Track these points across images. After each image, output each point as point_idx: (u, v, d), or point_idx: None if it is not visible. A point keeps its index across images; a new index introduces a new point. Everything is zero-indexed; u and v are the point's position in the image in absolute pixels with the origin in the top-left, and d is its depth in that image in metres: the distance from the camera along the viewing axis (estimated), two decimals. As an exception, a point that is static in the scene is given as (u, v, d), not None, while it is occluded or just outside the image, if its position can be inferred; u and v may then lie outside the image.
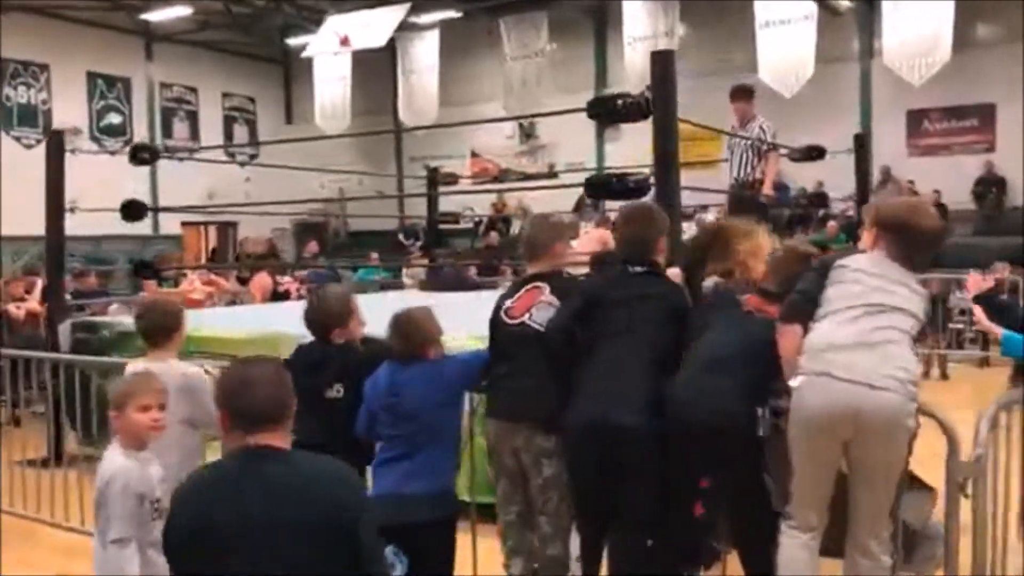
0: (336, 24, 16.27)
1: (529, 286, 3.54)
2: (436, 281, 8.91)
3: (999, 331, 3.89)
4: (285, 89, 23.59)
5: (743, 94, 7.02)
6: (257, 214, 18.74)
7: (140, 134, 19.99)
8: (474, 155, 20.78)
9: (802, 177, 16.64)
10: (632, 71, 17.09)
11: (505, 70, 18.34)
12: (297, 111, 23.38)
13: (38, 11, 17.56)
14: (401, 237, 19.02)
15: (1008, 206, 15.56)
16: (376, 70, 19.93)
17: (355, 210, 20.02)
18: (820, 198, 10.22)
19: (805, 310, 3.06)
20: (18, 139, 17.34)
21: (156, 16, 18.01)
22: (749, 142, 6.72)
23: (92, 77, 19.13)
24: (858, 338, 2.91)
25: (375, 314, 3.69)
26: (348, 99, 18.99)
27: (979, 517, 3.09)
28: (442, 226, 11.02)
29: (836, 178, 16.68)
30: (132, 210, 6.26)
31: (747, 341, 3.22)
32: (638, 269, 3.44)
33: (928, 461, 3.47)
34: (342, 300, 3.60)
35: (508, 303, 3.56)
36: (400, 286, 10.66)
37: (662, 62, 4.20)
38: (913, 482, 3.68)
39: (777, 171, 7.02)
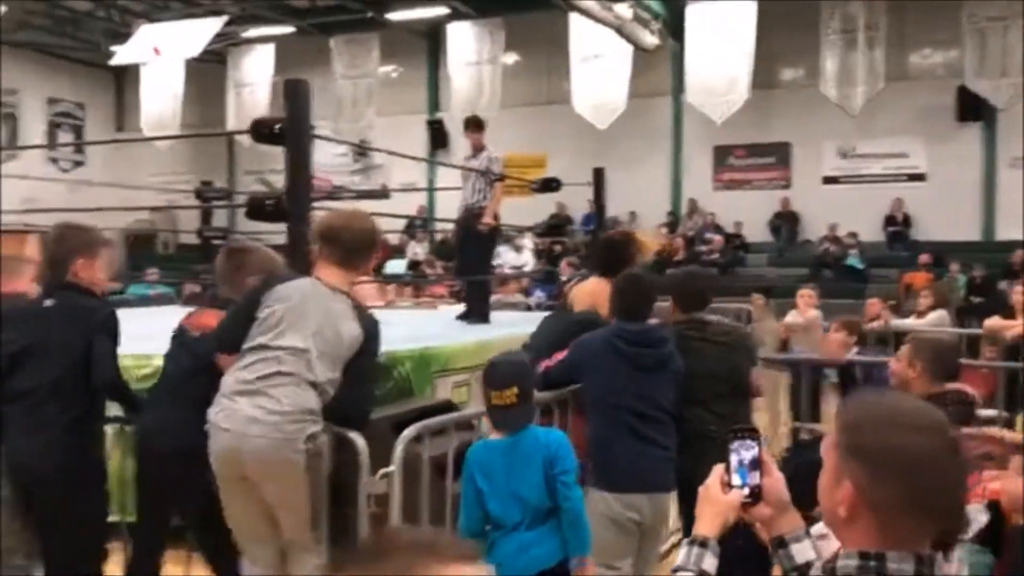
0: (148, 33, 15.99)
1: None
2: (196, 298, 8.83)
3: None
4: (117, 96, 22.92)
5: (473, 126, 7.28)
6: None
7: (-55, 135, 19.09)
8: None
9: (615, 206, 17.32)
10: (458, 95, 17.47)
11: (337, 89, 18.43)
12: (130, 119, 22.70)
13: None
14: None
15: (800, 239, 16.62)
16: (207, 83, 19.67)
17: (187, 223, 19.64)
18: (557, 228, 10.65)
19: None
20: None
21: (-36, 14, 17.24)
22: (479, 172, 7.01)
23: None
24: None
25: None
26: (178, 109, 18.71)
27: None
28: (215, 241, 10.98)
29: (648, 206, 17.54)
30: None
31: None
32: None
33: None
34: None
35: None
36: (171, 302, 10.39)
37: (295, 92, 4.38)
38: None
39: (500, 199, 7.13)
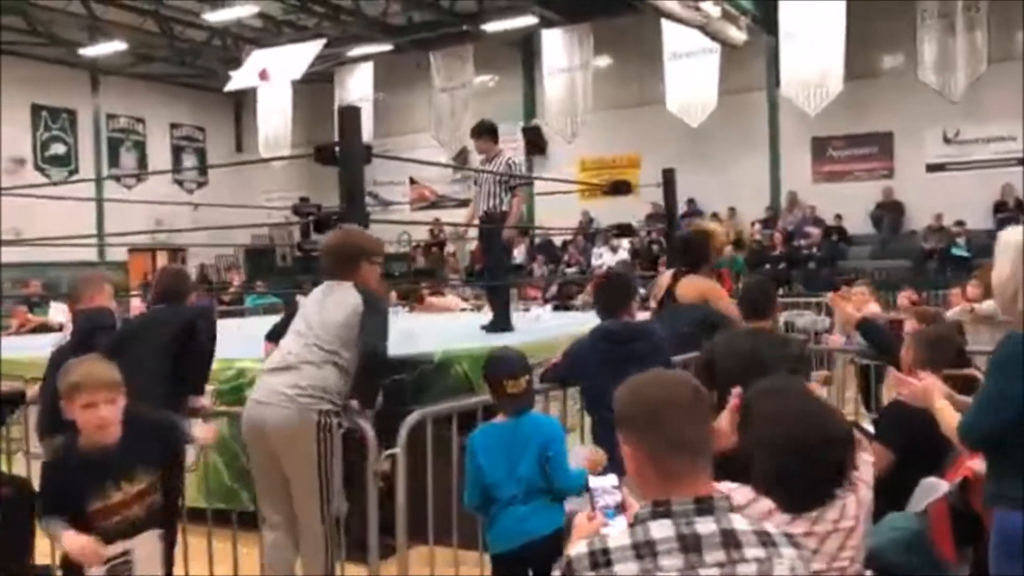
0: (257, 59, 16.96)
1: None
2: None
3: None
4: (235, 119, 24.28)
5: (480, 131, 7.06)
6: (202, 244, 19.39)
7: (86, 164, 20.66)
8: (412, 182, 21.45)
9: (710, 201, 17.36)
10: (551, 101, 17.83)
11: (435, 101, 19.06)
12: (248, 141, 24.01)
13: (-18, 47, 18.28)
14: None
15: (904, 230, 16.19)
16: (317, 102, 20.65)
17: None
18: (626, 228, 10.73)
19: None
20: (-40, 170, 17.93)
21: (93, 51, 18.68)
22: (496, 177, 6.83)
23: (37, 109, 19.79)
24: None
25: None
26: (289, 129, 19.72)
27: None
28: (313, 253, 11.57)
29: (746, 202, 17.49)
30: None
31: None
32: None
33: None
34: None
35: None
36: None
37: (347, 118, 4.79)
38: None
39: (523, 205, 7.04)
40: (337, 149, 4.84)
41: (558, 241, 18.73)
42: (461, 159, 20.87)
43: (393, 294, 10.94)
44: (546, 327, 7.51)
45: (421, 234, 19.29)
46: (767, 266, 15.60)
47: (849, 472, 2.12)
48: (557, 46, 17.49)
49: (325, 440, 3.51)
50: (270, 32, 19.04)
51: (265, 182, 22.24)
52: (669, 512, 1.64)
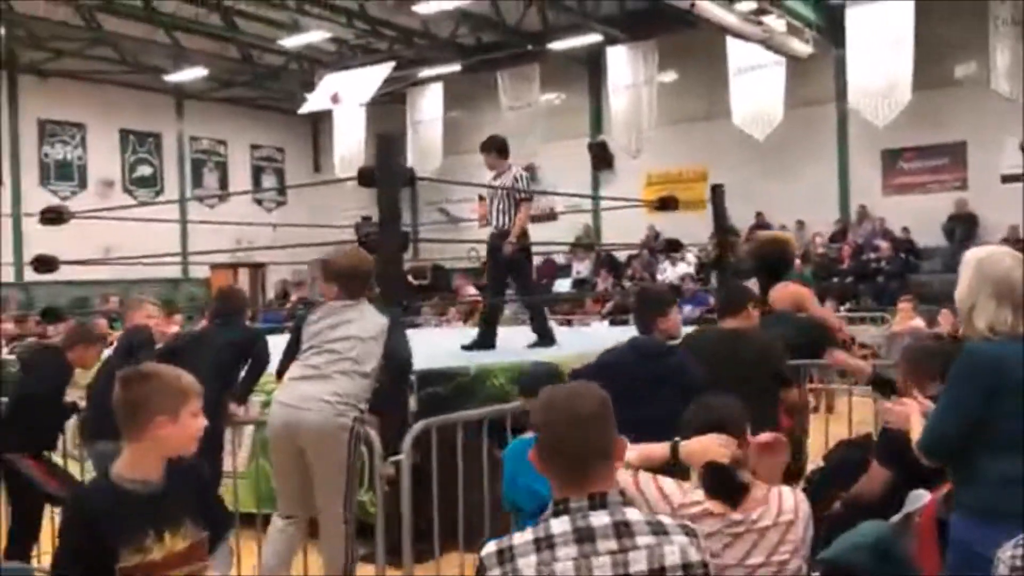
0: (329, 82, 17.55)
1: None
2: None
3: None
4: (313, 140, 25.05)
5: (488, 147, 6.98)
6: (280, 262, 20.08)
7: (171, 184, 21.60)
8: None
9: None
10: (616, 117, 17.96)
11: (503, 119, 19.38)
12: (324, 161, 24.73)
13: (76, 76, 19.34)
14: (410, 278, 20.14)
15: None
16: (390, 122, 21.18)
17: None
18: (674, 244, 10.71)
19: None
20: (55, 192, 18.97)
21: (177, 77, 19.57)
22: (504, 192, 6.76)
23: (125, 133, 20.82)
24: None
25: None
26: (362, 149, 20.29)
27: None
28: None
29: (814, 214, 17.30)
30: (41, 264, 6.74)
31: None
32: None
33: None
34: None
35: None
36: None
37: (386, 144, 5.04)
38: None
39: (527, 219, 6.85)
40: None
41: (623, 256, 18.80)
42: (529, 175, 21.19)
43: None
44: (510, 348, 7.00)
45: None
46: (835, 279, 15.41)
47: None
48: (622, 62, 17.63)
49: (355, 445, 3.76)
50: (344, 56, 19.68)
51: (341, 201, 22.85)
52: (567, 510, 1.83)
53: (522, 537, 1.84)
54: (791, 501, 2.28)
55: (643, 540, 1.80)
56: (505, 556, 1.81)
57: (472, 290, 14.51)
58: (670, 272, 15.95)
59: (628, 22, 17.54)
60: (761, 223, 18.13)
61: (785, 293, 5.27)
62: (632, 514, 1.84)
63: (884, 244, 15.60)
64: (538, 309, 7.29)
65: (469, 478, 4.06)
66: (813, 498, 3.13)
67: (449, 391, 5.10)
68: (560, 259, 19.07)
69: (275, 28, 17.83)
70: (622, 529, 1.80)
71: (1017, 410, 2.31)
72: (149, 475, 2.30)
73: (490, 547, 1.86)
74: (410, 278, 19.56)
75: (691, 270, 16.29)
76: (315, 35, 17.61)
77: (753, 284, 5.72)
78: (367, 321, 3.89)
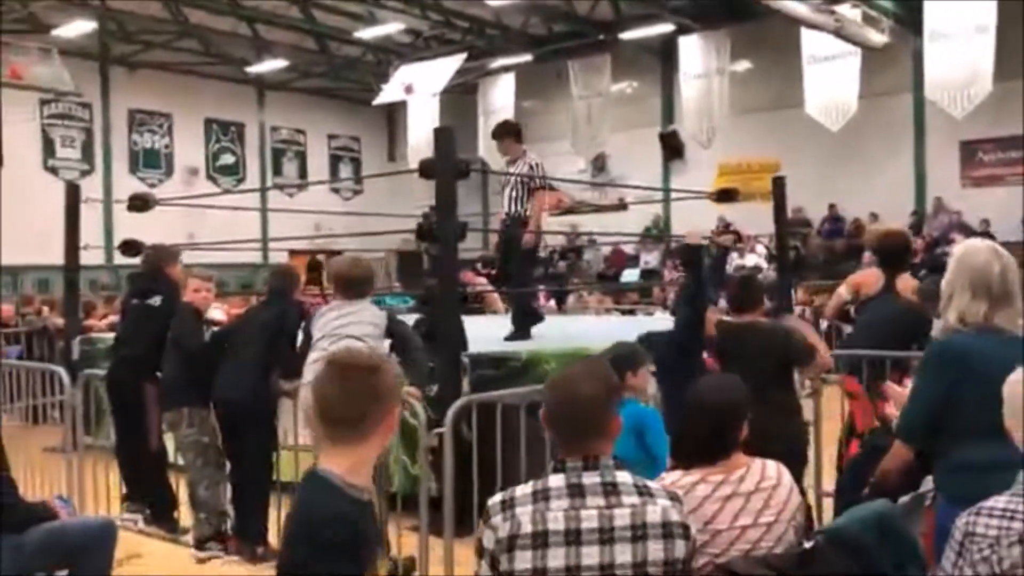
0: (402, 73, 17.91)
1: None
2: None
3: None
4: (388, 130, 25.53)
5: (501, 132, 6.94)
6: (355, 249, 20.54)
7: (252, 173, 22.32)
8: (551, 188, 21.89)
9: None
10: (688, 106, 17.91)
11: (573, 109, 19.51)
12: (399, 150, 25.19)
13: (164, 67, 20.15)
14: (478, 266, 20.42)
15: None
16: (462, 112, 21.49)
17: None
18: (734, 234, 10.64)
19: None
20: (143, 179, 19.82)
21: (258, 68, 20.23)
22: (519, 179, 6.62)
23: (209, 123, 21.61)
24: None
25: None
26: (433, 140, 20.63)
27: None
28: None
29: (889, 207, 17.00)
30: (128, 247, 7.05)
31: None
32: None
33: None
34: None
35: None
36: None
37: (441, 138, 5.26)
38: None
39: (543, 208, 6.88)
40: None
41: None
42: (599, 164, 21.27)
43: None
44: (564, 335, 7.14)
45: (556, 239, 19.73)
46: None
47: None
48: (694, 52, 17.57)
49: None
50: (418, 47, 20.06)
51: (415, 190, 23.25)
52: (564, 468, 2.10)
53: (523, 489, 2.10)
54: (774, 470, 2.49)
55: (628, 499, 2.05)
56: (507, 504, 2.08)
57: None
58: (740, 263, 15.88)
59: (699, 11, 17.47)
60: (834, 215, 17.94)
61: (911, 285, 5.40)
62: (621, 476, 2.08)
63: (959, 238, 15.25)
64: (522, 301, 7.13)
65: (511, 457, 4.26)
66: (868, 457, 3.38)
67: (502, 375, 5.33)
68: (629, 249, 19.15)
69: (352, 20, 18.29)
70: (610, 488, 2.05)
71: (983, 400, 2.41)
72: (368, 482, 1.96)
73: (496, 497, 2.12)
74: (479, 267, 19.95)
75: (761, 261, 16.19)
76: (390, 27, 18.02)
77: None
78: (377, 317, 4.46)
